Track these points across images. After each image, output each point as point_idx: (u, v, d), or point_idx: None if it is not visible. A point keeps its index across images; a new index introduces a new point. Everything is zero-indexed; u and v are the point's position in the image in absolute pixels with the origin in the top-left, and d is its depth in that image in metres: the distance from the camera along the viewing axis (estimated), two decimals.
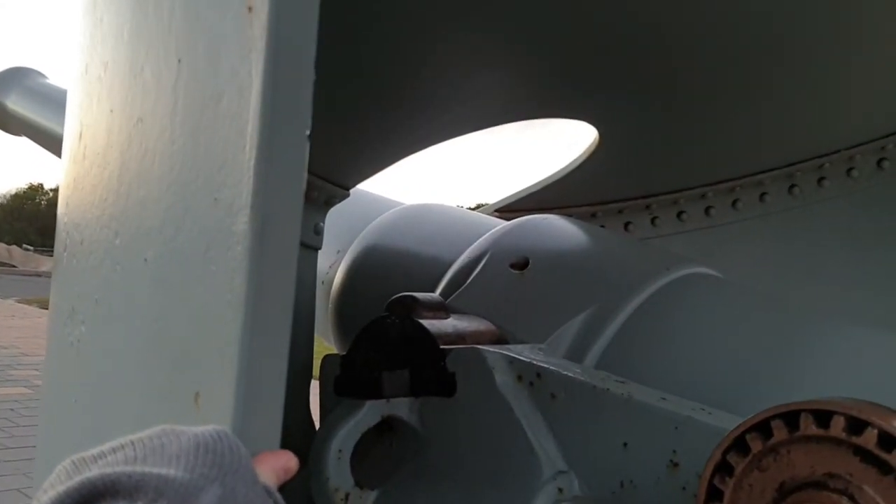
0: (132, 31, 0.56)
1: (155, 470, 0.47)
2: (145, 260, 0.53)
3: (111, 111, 0.58)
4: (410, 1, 1.26)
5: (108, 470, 0.48)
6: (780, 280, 2.22)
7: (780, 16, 1.57)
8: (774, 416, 0.76)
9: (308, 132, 0.45)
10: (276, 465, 0.55)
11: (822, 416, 0.73)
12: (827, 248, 2.30)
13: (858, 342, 1.21)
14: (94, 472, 0.48)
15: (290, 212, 0.45)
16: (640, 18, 1.45)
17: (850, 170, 2.31)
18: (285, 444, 1.66)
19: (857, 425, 0.72)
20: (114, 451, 0.49)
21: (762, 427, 0.77)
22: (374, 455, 1.26)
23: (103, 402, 0.56)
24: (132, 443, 0.49)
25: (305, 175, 0.46)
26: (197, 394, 0.46)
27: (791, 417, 0.75)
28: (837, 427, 0.72)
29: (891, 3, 1.62)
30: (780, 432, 0.75)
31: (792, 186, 2.30)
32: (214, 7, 0.47)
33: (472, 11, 1.32)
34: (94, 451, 0.49)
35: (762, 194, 2.29)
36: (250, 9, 0.43)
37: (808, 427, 0.74)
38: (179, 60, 0.49)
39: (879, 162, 2.32)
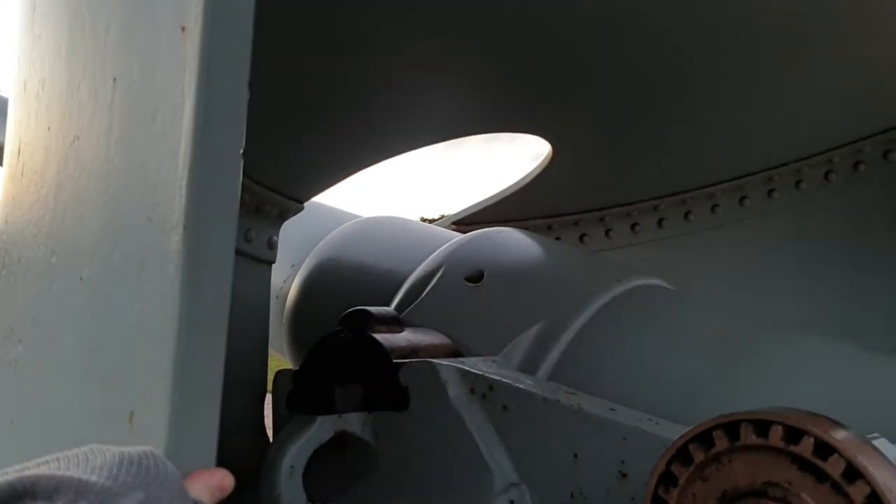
0: (69, 49, 0.55)
1: (76, 475, 0.46)
2: (81, 278, 0.52)
3: (48, 129, 0.57)
4: (362, 16, 1.27)
5: (28, 473, 0.47)
6: (732, 290, 2.26)
7: (726, 32, 1.60)
8: (716, 427, 0.78)
9: (241, 151, 0.45)
10: (211, 483, 0.55)
11: (761, 426, 0.75)
12: (778, 258, 2.35)
13: (807, 351, 1.24)
14: (11, 475, 0.47)
15: (223, 231, 0.45)
16: (590, 36, 1.48)
17: (798, 182, 2.36)
18: (239, 460, 1.64)
19: (794, 434, 0.73)
20: (37, 465, 0.48)
21: (704, 437, 0.79)
22: (326, 470, 1.25)
23: (40, 423, 0.55)
24: (57, 458, 0.48)
25: (239, 194, 0.46)
26: (132, 413, 0.46)
27: (732, 427, 0.77)
28: (776, 436, 0.74)
29: (835, 20, 1.67)
30: (721, 442, 0.77)
31: (743, 198, 2.35)
32: (149, 26, 0.46)
33: (424, 27, 1.33)
34: (17, 466, 0.48)
35: (714, 206, 2.33)
36: (184, 28, 0.43)
37: (748, 437, 0.75)
38: (115, 79, 0.49)
39: (826, 174, 2.38)
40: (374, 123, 1.61)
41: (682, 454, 0.80)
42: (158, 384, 0.43)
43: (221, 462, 1.64)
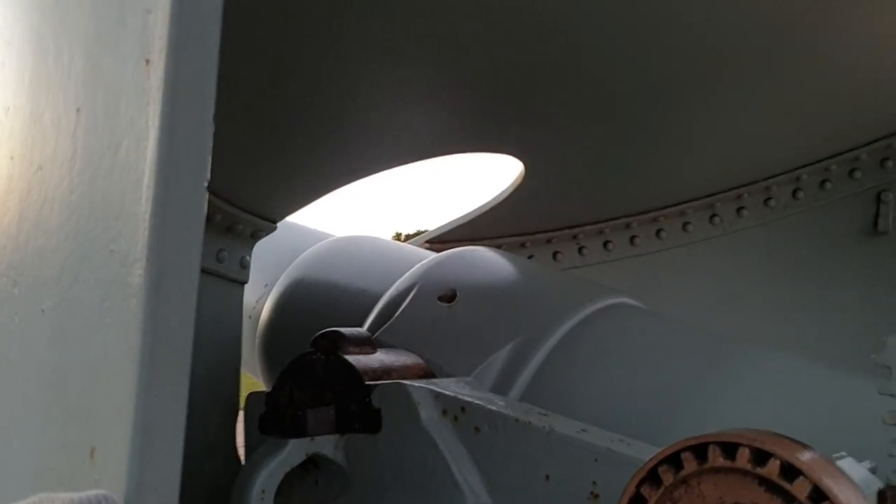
0: (33, 77, 0.55)
1: None
2: (42, 311, 0.52)
3: (11, 158, 0.57)
4: (336, 35, 1.27)
5: None
6: (704, 307, 2.28)
7: (697, 54, 1.63)
8: (685, 449, 0.78)
9: (206, 184, 0.44)
10: None
11: (729, 448, 0.76)
12: (747, 275, 2.38)
13: (776, 368, 1.25)
14: None
15: (187, 264, 0.44)
16: (562, 56, 1.49)
17: (767, 199, 2.40)
18: (211, 481, 1.62)
19: (761, 456, 0.74)
20: None
21: (673, 459, 0.79)
22: (298, 493, 1.24)
23: (1, 457, 0.54)
24: None
25: (203, 227, 0.46)
26: (93, 449, 0.45)
27: (700, 449, 0.77)
28: (743, 458, 0.74)
29: (805, 41, 1.70)
30: (689, 464, 0.78)
31: (713, 216, 2.38)
32: (113, 57, 0.46)
33: (397, 48, 1.34)
34: None
35: (685, 224, 2.36)
36: (147, 61, 0.43)
37: (716, 459, 0.76)
38: (78, 109, 0.48)
39: (794, 192, 2.42)
40: (347, 143, 1.61)
41: (651, 476, 0.80)
42: (119, 420, 0.43)
43: (193, 483, 1.62)
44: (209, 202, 1.56)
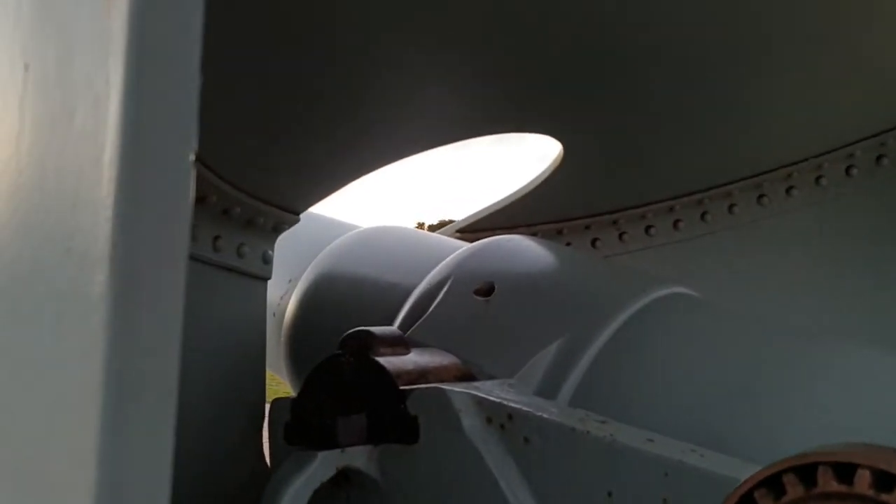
0: None
1: None
2: None
3: None
4: (356, 18, 1.16)
5: None
6: (752, 293, 2.16)
7: (745, 26, 1.51)
8: (787, 470, 0.65)
9: (192, 157, 0.33)
10: None
11: (844, 469, 0.63)
12: (797, 258, 2.26)
13: (860, 364, 1.12)
14: None
15: (168, 267, 0.32)
16: (602, 30, 1.37)
17: (818, 178, 2.27)
18: (236, 489, 1.52)
19: (885, 480, 0.61)
20: None
21: (772, 482, 0.66)
22: None
23: None
24: None
25: (190, 214, 0.34)
26: None
27: (807, 471, 0.65)
28: (863, 483, 0.62)
29: (856, 11, 1.58)
30: (794, 489, 0.65)
31: (761, 196, 2.26)
32: None
33: (429, 23, 1.22)
34: None
35: (731, 205, 2.24)
36: None
37: (828, 483, 0.63)
38: (26, 66, 0.37)
39: (848, 169, 2.30)
40: (374, 129, 1.50)
41: (745, 503, 0.68)
42: (79, 479, 0.31)
43: (217, 494, 1.52)
44: (228, 194, 1.46)
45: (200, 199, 1.37)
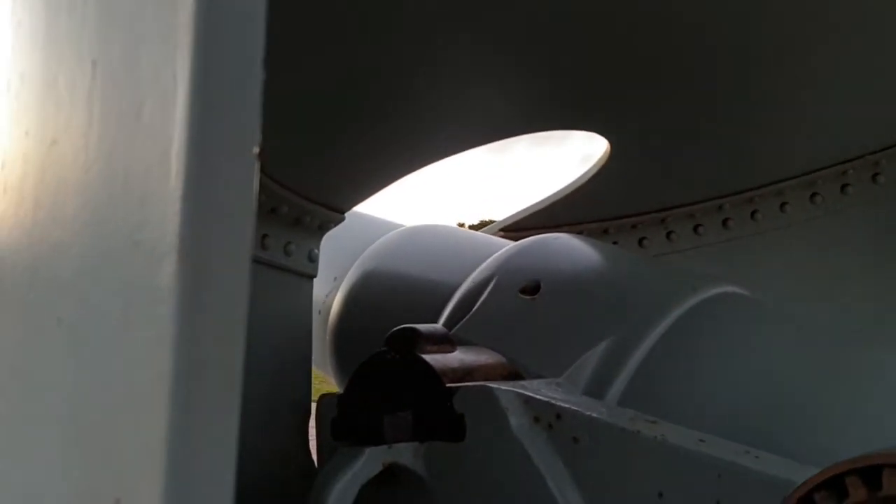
0: (46, 35, 0.45)
1: None
2: (59, 320, 0.41)
3: (27, 133, 0.47)
4: (404, 15, 1.16)
5: None
6: (803, 295, 2.11)
7: (798, 17, 1.47)
8: (849, 472, 0.63)
9: (257, 150, 0.33)
10: None
11: None
12: (852, 259, 2.19)
13: None
14: None
15: (233, 258, 0.33)
16: (651, 24, 1.35)
17: (875, 175, 2.20)
18: (284, 487, 1.54)
19: None
20: None
21: (834, 484, 0.65)
22: None
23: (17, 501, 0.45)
24: None
25: (255, 207, 0.34)
26: (117, 501, 0.35)
27: (871, 473, 0.63)
28: None
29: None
30: (857, 491, 0.63)
31: (814, 195, 2.20)
32: None
33: (470, 23, 1.21)
34: None
35: (782, 204, 2.18)
36: None
37: (893, 486, 0.61)
38: (94, 62, 0.38)
39: None
40: (418, 127, 1.50)
41: None
42: (148, 466, 0.32)
43: (264, 492, 1.54)
44: (276, 193, 1.48)
45: None
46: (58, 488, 0.39)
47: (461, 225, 2.48)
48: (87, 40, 0.39)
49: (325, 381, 2.01)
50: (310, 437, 1.57)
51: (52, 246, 0.42)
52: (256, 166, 0.34)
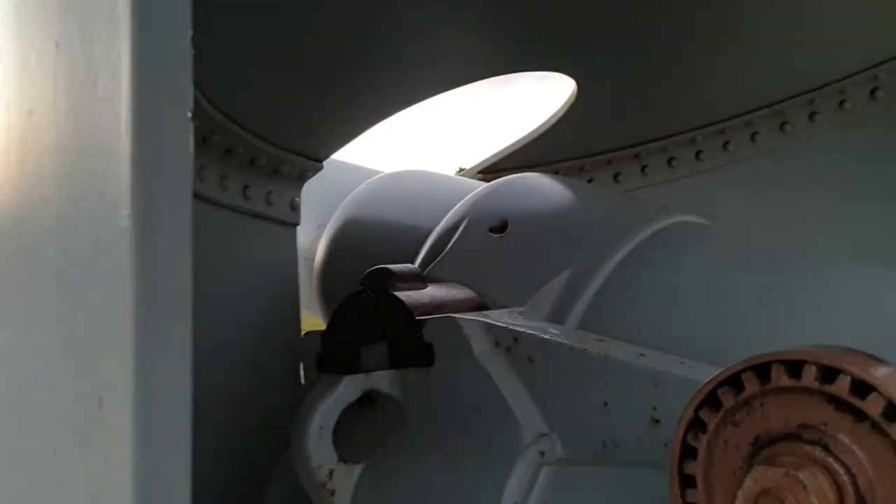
0: (16, 15, 0.53)
1: None
2: (46, 259, 0.51)
3: (7, 104, 0.55)
4: None
5: None
6: (774, 221, 2.17)
7: None
8: (745, 369, 0.73)
9: (189, 113, 0.41)
10: None
11: (794, 366, 0.71)
12: (822, 186, 2.25)
13: (854, 282, 1.17)
14: None
15: (176, 200, 0.42)
16: None
17: (842, 102, 2.24)
18: (276, 427, 1.65)
19: (829, 373, 0.69)
20: None
21: (733, 381, 0.74)
22: (358, 430, 1.24)
23: (15, 413, 0.55)
24: None
25: (191, 162, 0.43)
26: (101, 398, 0.44)
27: (762, 369, 0.72)
28: (809, 376, 0.69)
29: None
30: (751, 385, 0.73)
31: (783, 124, 2.24)
32: None
33: None
34: None
35: (753, 134, 2.22)
36: None
37: (780, 378, 0.71)
38: (57, 45, 0.46)
39: (873, 92, 2.26)
40: (389, 73, 1.56)
41: (710, 399, 0.76)
42: (123, 368, 0.41)
43: (261, 416, 1.64)
44: (254, 145, 1.55)
45: (228, 151, 1.46)
46: (51, 393, 0.49)
47: (461, 170, 2.53)
48: (50, 25, 0.47)
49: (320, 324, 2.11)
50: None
51: (37, 199, 0.51)
52: (190, 126, 0.42)
